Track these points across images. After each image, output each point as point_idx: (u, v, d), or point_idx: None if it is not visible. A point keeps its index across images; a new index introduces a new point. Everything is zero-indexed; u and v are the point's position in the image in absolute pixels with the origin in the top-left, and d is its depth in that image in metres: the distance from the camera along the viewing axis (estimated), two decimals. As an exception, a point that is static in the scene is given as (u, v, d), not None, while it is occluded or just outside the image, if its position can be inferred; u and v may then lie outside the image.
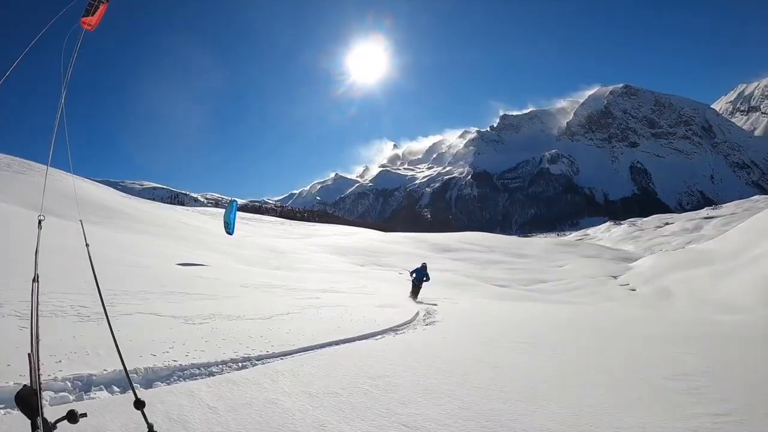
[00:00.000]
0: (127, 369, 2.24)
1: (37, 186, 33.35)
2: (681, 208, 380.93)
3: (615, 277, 52.31)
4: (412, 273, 18.70)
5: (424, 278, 18.31)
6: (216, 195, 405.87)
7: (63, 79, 3.81)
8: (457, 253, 66.07)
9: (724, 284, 40.18)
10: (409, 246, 66.99)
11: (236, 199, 27.21)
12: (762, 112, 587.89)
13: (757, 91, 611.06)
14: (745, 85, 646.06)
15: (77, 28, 4.37)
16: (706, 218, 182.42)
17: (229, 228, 25.58)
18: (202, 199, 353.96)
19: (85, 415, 1.71)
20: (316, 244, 59.14)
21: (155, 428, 1.73)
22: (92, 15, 4.69)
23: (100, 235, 20.76)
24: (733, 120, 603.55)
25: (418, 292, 18.10)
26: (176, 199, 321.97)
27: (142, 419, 1.77)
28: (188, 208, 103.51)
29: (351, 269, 41.17)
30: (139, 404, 1.84)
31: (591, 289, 45.18)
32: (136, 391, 1.97)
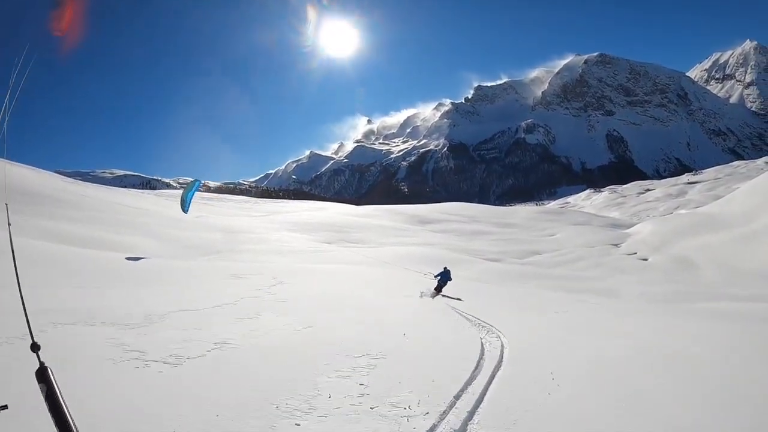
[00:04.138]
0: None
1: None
2: (658, 175, 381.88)
3: (616, 245, 46.79)
4: (436, 276, 18.81)
5: (449, 279, 18.33)
6: (189, 179, 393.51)
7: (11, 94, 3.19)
8: (439, 225, 60.90)
9: (753, 250, 34.71)
10: (383, 219, 61.29)
11: (200, 179, 23.48)
12: (737, 80, 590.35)
13: (731, 59, 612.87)
14: (719, 54, 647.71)
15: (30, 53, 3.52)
16: (688, 184, 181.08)
17: (184, 206, 23.48)
18: (174, 184, 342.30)
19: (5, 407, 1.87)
20: (279, 222, 53.87)
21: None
22: (61, 13, 4.56)
23: None
24: (708, 88, 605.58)
25: (441, 289, 17.83)
26: (148, 184, 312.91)
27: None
28: (142, 190, 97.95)
29: (312, 248, 35.30)
30: (35, 347, 1.88)
31: (595, 260, 39.31)
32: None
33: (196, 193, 24.59)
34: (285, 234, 43.44)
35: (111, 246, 22.17)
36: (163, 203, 56.21)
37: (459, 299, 16.61)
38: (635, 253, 41.25)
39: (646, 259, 38.59)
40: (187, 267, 16.95)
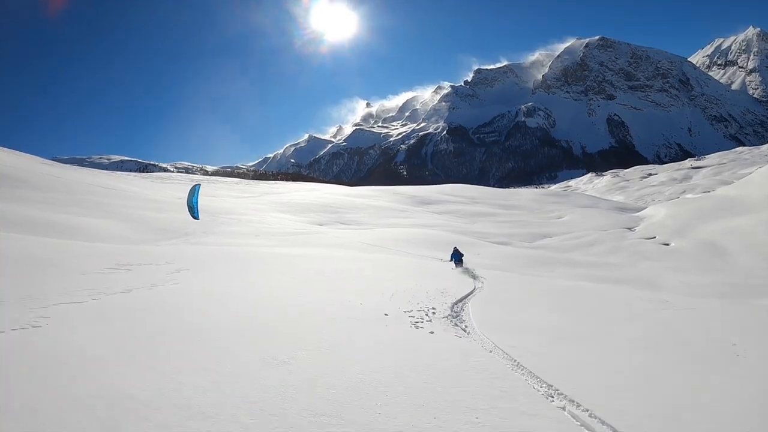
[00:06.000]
0: None
1: None
2: (659, 160, 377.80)
3: (630, 229, 43.50)
4: (451, 259, 20.18)
5: (462, 254, 20.10)
6: (186, 163, 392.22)
7: None
8: (439, 206, 57.69)
9: (787, 234, 31.63)
10: (380, 199, 58.06)
11: (199, 183, 20.74)
12: (739, 67, 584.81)
13: (734, 45, 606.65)
14: (722, 39, 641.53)
15: None
16: (692, 169, 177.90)
17: (193, 212, 22.25)
18: (171, 169, 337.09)
19: None
20: (270, 202, 50.78)
21: None
22: None
23: None
24: (710, 74, 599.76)
25: (462, 262, 19.50)
26: (145, 169, 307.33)
27: None
28: (128, 173, 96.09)
29: (295, 230, 31.97)
30: None
31: (611, 245, 35.89)
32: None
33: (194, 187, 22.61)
34: (272, 215, 40.24)
35: (61, 229, 19.53)
36: (147, 184, 53.40)
37: (477, 277, 15.51)
38: (654, 237, 37.97)
39: (668, 244, 35.31)
40: (85, 252, 12.91)
